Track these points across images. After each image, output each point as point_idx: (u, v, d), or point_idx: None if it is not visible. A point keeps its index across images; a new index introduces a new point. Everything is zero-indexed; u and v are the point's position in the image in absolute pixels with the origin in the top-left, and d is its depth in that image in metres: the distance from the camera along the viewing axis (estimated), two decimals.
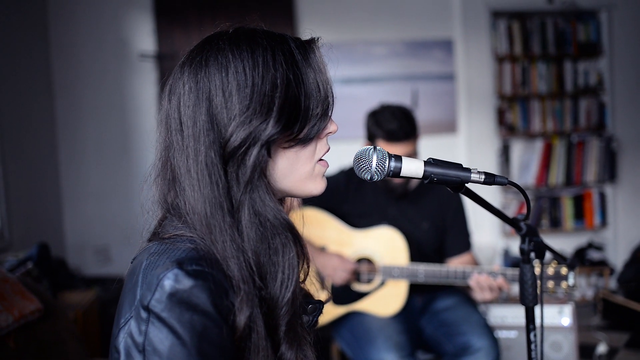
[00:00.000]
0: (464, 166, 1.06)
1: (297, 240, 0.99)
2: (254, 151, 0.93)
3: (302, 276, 1.03)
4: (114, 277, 4.03)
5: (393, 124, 2.45)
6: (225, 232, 0.92)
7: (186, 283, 0.86)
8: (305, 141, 0.99)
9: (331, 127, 1.02)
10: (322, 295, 1.14)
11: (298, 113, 0.96)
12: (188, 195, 0.95)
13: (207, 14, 4.30)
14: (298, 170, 1.00)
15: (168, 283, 0.86)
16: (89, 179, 4.32)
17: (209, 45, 0.98)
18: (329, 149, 1.04)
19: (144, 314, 0.86)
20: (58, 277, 3.26)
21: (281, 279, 0.96)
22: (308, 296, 1.12)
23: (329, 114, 1.01)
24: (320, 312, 1.10)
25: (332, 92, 1.01)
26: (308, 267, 1.06)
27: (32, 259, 2.80)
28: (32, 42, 3.99)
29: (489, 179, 1.06)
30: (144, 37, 4.34)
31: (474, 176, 1.06)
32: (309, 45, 1.00)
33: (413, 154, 2.52)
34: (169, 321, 0.85)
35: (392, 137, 2.45)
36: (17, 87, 3.62)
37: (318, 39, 1.02)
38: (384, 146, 2.44)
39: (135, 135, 4.36)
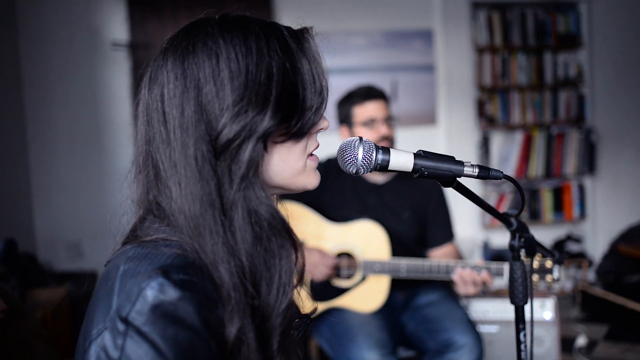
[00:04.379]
0: (456, 159, 0.99)
1: (294, 242, 0.91)
2: (249, 145, 0.85)
3: (296, 281, 0.96)
4: (86, 272, 3.94)
5: (365, 87, 2.57)
6: (216, 233, 0.84)
7: (172, 294, 0.77)
8: (298, 135, 0.91)
9: (323, 123, 0.96)
10: (307, 305, 1.06)
11: (296, 104, 0.89)
12: (174, 194, 0.86)
13: (182, 2, 4.19)
14: (291, 166, 0.93)
15: (151, 293, 0.77)
16: (60, 173, 4.20)
17: (196, 30, 0.89)
18: (319, 145, 0.97)
19: (121, 327, 0.77)
20: (28, 273, 3.16)
21: (278, 284, 0.88)
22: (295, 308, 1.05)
23: (323, 108, 0.94)
24: (307, 327, 1.02)
25: (327, 85, 0.94)
26: (303, 271, 0.98)
27: None
28: None
29: (483, 173, 1.00)
30: (117, 26, 4.21)
31: (467, 170, 0.99)
32: (302, 35, 0.93)
33: (390, 119, 2.54)
34: (150, 336, 0.76)
35: (368, 94, 2.52)
36: None
37: (312, 28, 0.95)
38: (361, 109, 2.51)
39: (108, 126, 4.24)
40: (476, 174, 1.00)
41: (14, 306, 2.03)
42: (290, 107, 0.88)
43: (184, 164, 0.85)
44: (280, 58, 0.88)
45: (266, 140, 0.88)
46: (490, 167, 1.01)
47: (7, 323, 1.96)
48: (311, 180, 0.96)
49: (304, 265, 0.97)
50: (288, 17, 4.26)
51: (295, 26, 0.96)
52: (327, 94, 0.94)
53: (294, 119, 0.89)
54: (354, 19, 4.55)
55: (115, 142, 4.21)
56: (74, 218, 4.20)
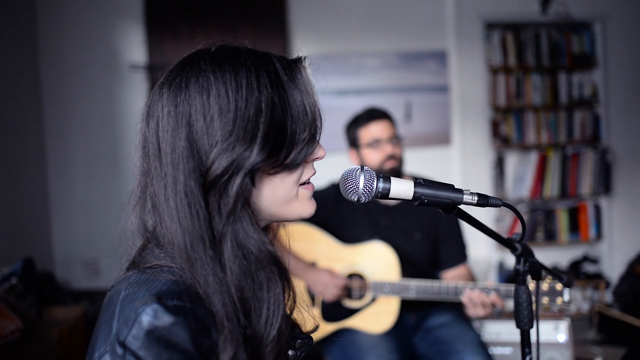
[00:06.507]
0: (456, 187, 1.01)
1: (282, 273, 0.93)
2: (237, 180, 0.88)
3: (288, 310, 0.98)
4: (103, 290, 3.95)
5: (368, 109, 2.63)
6: (207, 265, 0.87)
7: (166, 320, 0.81)
8: (291, 167, 0.93)
9: (319, 153, 0.97)
10: (308, 323, 1.08)
11: (284, 139, 0.91)
12: (167, 226, 0.89)
13: (198, 25, 4.26)
14: (283, 197, 0.95)
15: (146, 319, 0.81)
16: (78, 192, 4.26)
17: (190, 65, 0.92)
18: (315, 172, 0.99)
19: (119, 350, 0.81)
20: (45, 291, 3.20)
21: (266, 315, 0.90)
22: (295, 326, 1.07)
23: (317, 139, 0.96)
24: (308, 348, 1.04)
25: (320, 115, 0.96)
26: (295, 301, 1.01)
27: (16, 275, 2.74)
28: (21, 52, 3.93)
29: (482, 201, 1.02)
30: (135, 48, 4.29)
31: (466, 198, 1.01)
32: (296, 65, 0.95)
33: (395, 138, 2.58)
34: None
35: (371, 115, 2.58)
36: (4, 98, 3.56)
37: (305, 58, 0.97)
38: (365, 131, 2.55)
39: (126, 147, 4.30)
40: (475, 201, 1.02)
41: (31, 325, 2.07)
42: (278, 141, 0.90)
43: (175, 199, 0.88)
44: (270, 93, 0.90)
45: (254, 175, 0.90)
46: (491, 196, 1.02)
47: (24, 341, 2.00)
48: (305, 208, 0.98)
49: (295, 294, 1.00)
50: (303, 40, 4.32)
51: (294, 54, 0.98)
52: (321, 124, 0.96)
53: (282, 153, 0.91)
54: (369, 41, 4.58)
55: (132, 162, 4.25)
56: (91, 237, 4.25)
